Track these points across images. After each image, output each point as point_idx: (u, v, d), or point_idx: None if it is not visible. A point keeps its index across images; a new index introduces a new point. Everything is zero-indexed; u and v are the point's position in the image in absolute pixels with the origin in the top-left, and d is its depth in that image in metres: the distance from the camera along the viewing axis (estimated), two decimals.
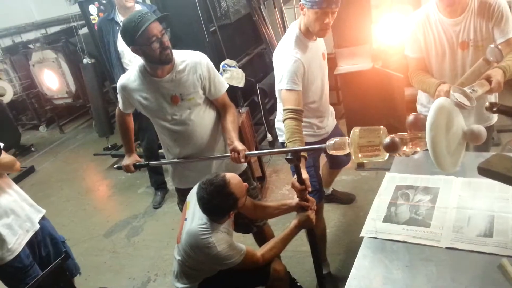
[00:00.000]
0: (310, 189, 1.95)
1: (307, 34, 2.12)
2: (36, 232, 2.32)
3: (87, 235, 3.77)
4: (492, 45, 1.85)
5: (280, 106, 2.34)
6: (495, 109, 1.58)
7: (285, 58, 2.09)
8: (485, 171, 1.35)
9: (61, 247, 2.44)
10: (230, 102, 2.30)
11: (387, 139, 1.44)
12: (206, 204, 1.83)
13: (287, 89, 2.07)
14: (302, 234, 2.41)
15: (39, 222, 2.34)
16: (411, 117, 1.41)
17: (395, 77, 3.24)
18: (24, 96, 6.43)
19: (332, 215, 3.15)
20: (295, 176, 1.92)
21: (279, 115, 2.41)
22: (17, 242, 2.20)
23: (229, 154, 2.14)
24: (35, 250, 2.33)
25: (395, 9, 3.64)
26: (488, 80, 1.80)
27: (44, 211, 2.41)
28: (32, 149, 6.09)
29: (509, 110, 1.60)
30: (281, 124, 2.36)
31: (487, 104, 1.58)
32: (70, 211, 4.25)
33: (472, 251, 1.45)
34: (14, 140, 5.90)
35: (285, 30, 4.23)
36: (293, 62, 2.06)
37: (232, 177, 1.86)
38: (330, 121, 2.49)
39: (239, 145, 2.09)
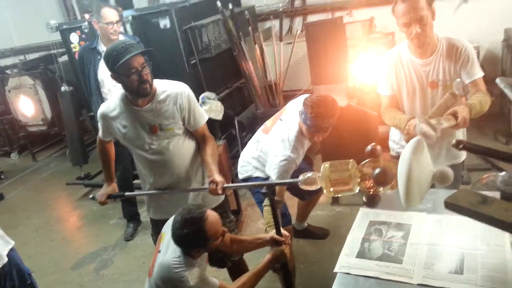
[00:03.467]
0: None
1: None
2: (3, 264, 2.17)
3: (54, 267, 3.62)
4: (458, 79, 1.94)
5: (250, 149, 2.59)
6: (461, 146, 1.64)
7: (282, 155, 2.35)
8: (451, 205, 1.38)
9: (27, 280, 2.33)
10: (209, 134, 2.31)
11: (367, 196, 1.53)
12: (176, 230, 1.80)
13: None
14: None
15: (7, 254, 2.19)
16: (377, 170, 1.48)
17: (370, 114, 3.33)
18: None
19: (306, 250, 3.14)
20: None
21: (245, 155, 2.63)
22: None
23: (206, 186, 2.14)
24: (0, 282, 2.21)
25: (370, 49, 3.79)
26: (455, 116, 1.87)
27: (13, 242, 2.27)
28: (2, 176, 5.89)
29: (474, 147, 1.66)
30: (242, 162, 2.63)
31: (453, 141, 1.64)
32: (38, 242, 4.08)
33: None
34: None
35: (264, 66, 4.31)
36: (288, 163, 2.33)
37: (212, 216, 1.83)
38: None
39: (218, 177, 2.09)
